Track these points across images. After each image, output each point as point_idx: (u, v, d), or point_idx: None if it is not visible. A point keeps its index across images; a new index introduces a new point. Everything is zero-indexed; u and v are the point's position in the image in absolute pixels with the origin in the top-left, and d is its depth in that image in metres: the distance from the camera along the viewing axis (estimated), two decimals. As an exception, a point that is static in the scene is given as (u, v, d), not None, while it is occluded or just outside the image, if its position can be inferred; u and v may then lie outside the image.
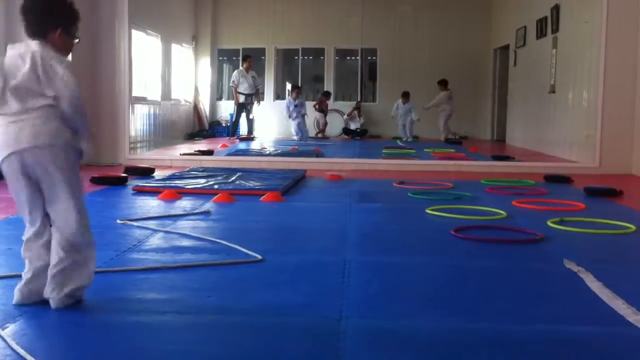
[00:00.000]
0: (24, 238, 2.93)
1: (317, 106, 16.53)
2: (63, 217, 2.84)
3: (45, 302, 2.89)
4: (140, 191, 6.59)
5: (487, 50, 16.71)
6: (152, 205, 5.86)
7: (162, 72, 14.36)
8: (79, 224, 2.86)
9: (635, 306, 3.01)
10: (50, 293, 2.86)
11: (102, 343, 2.57)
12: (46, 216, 2.89)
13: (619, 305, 3.04)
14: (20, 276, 2.96)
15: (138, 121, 11.97)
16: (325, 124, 16.69)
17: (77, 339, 2.62)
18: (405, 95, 15.40)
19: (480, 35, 16.70)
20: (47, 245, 2.89)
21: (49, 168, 2.80)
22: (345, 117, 16.99)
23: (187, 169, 8.35)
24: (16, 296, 2.91)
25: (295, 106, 14.89)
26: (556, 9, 11.74)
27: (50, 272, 2.85)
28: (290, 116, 15.00)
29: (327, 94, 16.82)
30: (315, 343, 2.59)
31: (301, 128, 15.01)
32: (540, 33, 12.77)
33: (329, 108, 16.83)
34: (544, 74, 12.39)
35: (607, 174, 8.93)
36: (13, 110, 2.80)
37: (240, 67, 15.11)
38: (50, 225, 2.89)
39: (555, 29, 11.84)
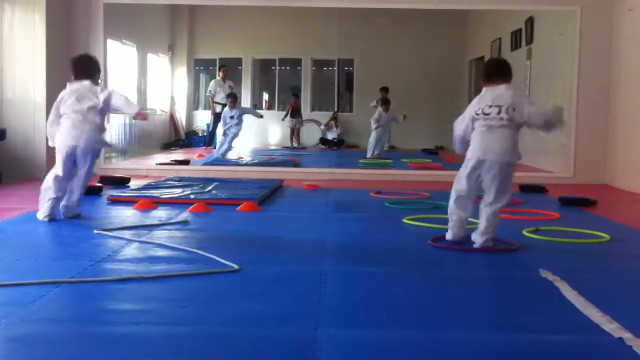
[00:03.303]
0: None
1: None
2: None
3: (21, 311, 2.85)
4: (115, 201, 6.52)
5: (463, 62, 16.84)
6: (127, 215, 5.81)
7: (138, 82, 14.27)
8: None
9: (610, 314, 3.04)
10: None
11: (76, 354, 2.53)
12: None
13: (594, 314, 3.07)
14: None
15: (113, 130, 11.87)
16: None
17: (51, 350, 2.58)
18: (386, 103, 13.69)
19: (455, 46, 16.82)
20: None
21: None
22: (322, 127, 17.00)
23: (163, 178, 8.29)
24: None
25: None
26: (530, 21, 11.88)
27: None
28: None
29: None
30: (292, 353, 2.57)
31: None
32: (515, 45, 12.90)
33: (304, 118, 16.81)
34: (519, 85, 12.50)
35: (582, 183, 9.03)
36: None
37: (217, 77, 15.07)
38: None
39: (530, 41, 11.97)
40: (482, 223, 4.61)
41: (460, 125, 4.71)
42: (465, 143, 4.68)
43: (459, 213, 4.69)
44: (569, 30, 9.59)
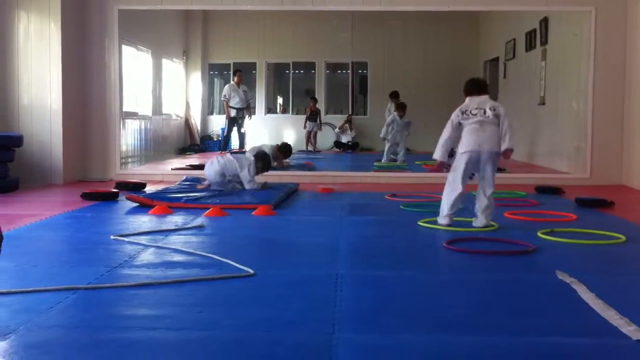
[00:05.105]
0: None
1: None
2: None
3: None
4: (132, 199, 6.67)
5: (477, 63, 16.78)
6: (143, 220, 5.83)
7: (153, 87, 14.35)
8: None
9: (628, 316, 3.01)
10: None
11: (92, 360, 2.54)
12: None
13: (612, 316, 3.04)
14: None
15: (129, 136, 11.95)
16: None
17: (68, 357, 2.59)
18: (402, 108, 13.05)
19: (469, 47, 16.78)
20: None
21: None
22: (336, 130, 17.01)
23: (178, 182, 8.31)
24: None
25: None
26: (545, 22, 11.82)
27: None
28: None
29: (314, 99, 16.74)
30: (307, 358, 2.57)
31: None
32: (530, 45, 12.84)
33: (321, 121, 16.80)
34: (534, 86, 12.44)
35: (598, 184, 8.97)
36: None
37: (232, 82, 15.12)
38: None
39: (544, 42, 11.91)
40: (482, 205, 5.48)
41: (446, 131, 5.55)
42: (449, 147, 5.57)
43: (459, 206, 5.58)
44: (584, 31, 9.53)
